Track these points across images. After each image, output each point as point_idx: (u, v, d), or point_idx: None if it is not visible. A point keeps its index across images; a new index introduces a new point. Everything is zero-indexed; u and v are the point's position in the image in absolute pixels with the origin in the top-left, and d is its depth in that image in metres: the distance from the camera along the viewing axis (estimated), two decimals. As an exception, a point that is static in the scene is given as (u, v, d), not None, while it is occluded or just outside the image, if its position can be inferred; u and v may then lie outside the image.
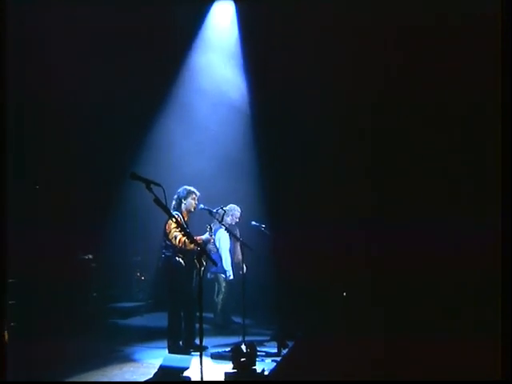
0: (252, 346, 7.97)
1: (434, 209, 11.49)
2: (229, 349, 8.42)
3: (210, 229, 9.34)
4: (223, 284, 11.23)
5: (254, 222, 10.65)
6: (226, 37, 13.39)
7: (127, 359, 8.93)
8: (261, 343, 9.53)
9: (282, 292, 11.91)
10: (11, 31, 7.28)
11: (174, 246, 9.05)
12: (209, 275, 11.15)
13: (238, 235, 10.63)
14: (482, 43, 10.20)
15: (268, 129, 13.00)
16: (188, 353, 8.96)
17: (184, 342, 9.28)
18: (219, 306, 11.33)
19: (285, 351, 9.00)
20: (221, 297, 11.30)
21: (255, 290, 10.80)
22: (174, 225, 8.82)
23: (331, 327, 10.27)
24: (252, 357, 7.85)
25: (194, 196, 9.38)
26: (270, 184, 12.77)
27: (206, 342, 7.47)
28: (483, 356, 7.09)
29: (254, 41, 12.93)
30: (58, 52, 11.54)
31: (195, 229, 9.47)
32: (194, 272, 9.14)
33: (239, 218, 11.19)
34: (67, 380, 7.69)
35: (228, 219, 10.78)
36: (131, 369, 8.31)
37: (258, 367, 7.86)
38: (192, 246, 8.65)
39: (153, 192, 5.76)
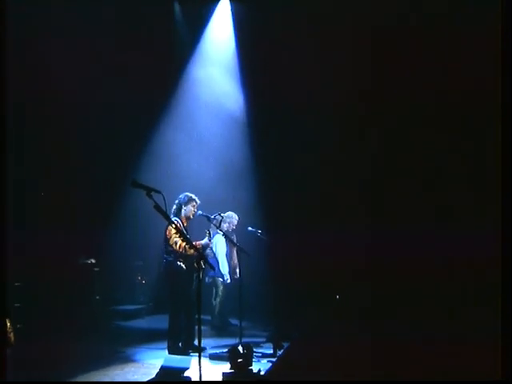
0: (248, 347, 7.98)
1: (433, 209, 11.49)
2: (226, 350, 8.38)
3: (209, 234, 9.37)
4: (221, 287, 11.23)
5: (250, 228, 10.67)
6: (224, 50, 13.43)
7: (129, 360, 8.91)
8: (257, 344, 9.51)
9: (277, 295, 11.91)
10: (11, 33, 7.27)
11: (174, 251, 9.06)
12: (207, 279, 11.14)
13: (235, 240, 10.63)
14: (481, 43, 10.21)
15: (265, 138, 13.01)
16: (187, 354, 8.96)
17: (183, 343, 9.27)
18: (217, 309, 11.33)
19: (280, 352, 8.99)
20: (218, 300, 11.30)
21: (251, 293, 10.82)
22: (173, 231, 8.82)
23: (325, 329, 10.28)
24: (248, 357, 7.85)
25: (194, 203, 9.39)
26: (266, 191, 12.76)
27: (204, 343, 7.52)
28: (483, 356, 7.07)
29: (251, 54, 12.96)
30: (59, 64, 11.56)
31: (194, 234, 9.50)
32: (194, 276, 9.14)
33: (236, 226, 11.20)
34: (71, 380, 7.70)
35: (225, 226, 10.78)
36: (132, 369, 8.29)
37: (255, 367, 7.86)
38: (192, 251, 8.68)
39: (153, 199, 5.77)
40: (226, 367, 7.85)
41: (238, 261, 10.07)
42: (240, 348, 7.90)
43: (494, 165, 7.37)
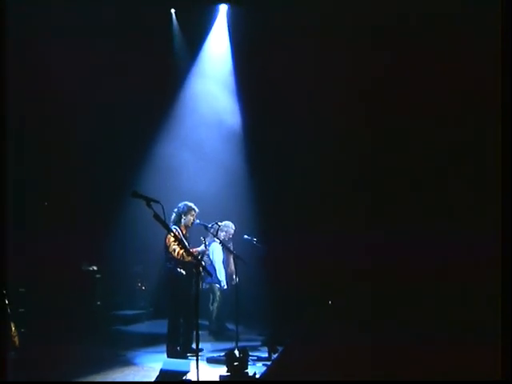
0: (244, 351, 8.01)
1: (432, 210, 11.46)
2: (223, 353, 8.40)
3: (205, 241, 9.39)
4: (217, 293, 11.23)
5: (246, 236, 10.67)
6: (221, 64, 13.47)
7: (129, 363, 8.90)
8: (253, 348, 9.52)
9: (272, 301, 11.89)
10: (11, 33, 7.27)
11: (174, 259, 9.08)
12: (204, 285, 11.13)
13: (232, 248, 10.64)
14: (481, 43, 10.16)
15: (261, 150, 13.02)
16: (185, 357, 8.95)
17: (181, 346, 9.27)
18: (214, 314, 11.31)
19: (275, 356, 9.01)
20: (215, 305, 11.29)
21: (247, 299, 10.81)
22: (172, 239, 8.84)
23: (319, 333, 10.27)
24: (244, 361, 7.89)
25: (193, 212, 9.42)
26: (262, 201, 12.77)
27: (201, 347, 7.51)
28: (483, 356, 6.98)
29: (248, 67, 12.99)
30: (61, 76, 11.60)
31: (192, 241, 9.53)
32: (193, 281, 9.15)
33: (232, 235, 11.21)
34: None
35: (222, 234, 10.78)
36: (132, 372, 8.29)
37: (250, 370, 7.90)
38: (189, 258, 8.70)
39: (152, 208, 5.82)
40: (222, 370, 7.89)
41: (235, 268, 10.09)
42: (236, 352, 7.94)
43: (494, 165, 7.32)
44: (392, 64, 11.77)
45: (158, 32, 12.89)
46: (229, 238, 11.16)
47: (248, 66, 12.96)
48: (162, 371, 7.57)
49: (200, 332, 6.23)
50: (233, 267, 10.67)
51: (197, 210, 9.48)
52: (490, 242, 8.11)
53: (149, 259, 12.80)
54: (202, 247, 9.33)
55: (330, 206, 12.44)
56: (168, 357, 8.93)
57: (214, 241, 10.52)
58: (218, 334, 11.10)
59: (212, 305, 11.32)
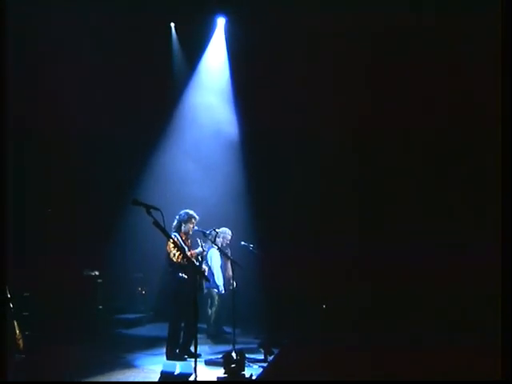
0: (241, 354, 8.04)
1: (430, 213, 11.46)
2: (221, 356, 8.43)
3: (202, 243, 9.44)
4: (215, 298, 11.26)
5: (243, 242, 10.72)
6: (219, 76, 13.55)
7: (129, 365, 8.91)
8: (249, 351, 9.54)
9: (268, 305, 11.91)
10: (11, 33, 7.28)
11: (174, 263, 9.10)
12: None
13: (229, 254, 10.69)
14: (481, 44, 10.16)
15: (258, 158, 13.05)
16: (184, 359, 9.00)
17: (180, 349, 9.31)
18: (212, 318, 11.35)
19: (271, 358, 9.03)
20: (214, 309, 11.32)
21: (244, 303, 10.87)
22: (172, 245, 8.88)
23: (313, 336, 10.31)
24: (241, 363, 7.92)
25: (193, 220, 9.45)
26: (258, 208, 12.80)
27: (200, 349, 7.55)
28: (483, 356, 7.00)
29: (245, 79, 13.05)
30: (61, 87, 11.65)
31: (193, 245, 9.59)
32: (194, 286, 9.18)
33: (230, 241, 11.27)
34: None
35: (219, 240, 10.83)
36: (133, 374, 8.30)
37: (247, 372, 7.93)
38: (188, 262, 8.75)
39: (152, 216, 5.85)
40: (220, 372, 7.92)
41: (232, 273, 10.14)
42: (233, 354, 7.97)
43: (494, 165, 7.34)
44: (391, 64, 11.78)
45: (158, 45, 12.99)
46: (226, 244, 11.22)
47: (245, 77, 13.01)
48: (162, 373, 7.64)
49: (198, 335, 6.25)
50: (230, 272, 10.67)
51: (197, 217, 9.51)
52: (489, 242, 8.14)
53: (149, 265, 12.87)
54: (200, 249, 9.37)
55: (325, 213, 12.45)
56: (167, 359, 8.96)
57: (212, 247, 10.55)
58: (216, 337, 11.13)
59: (210, 309, 11.36)
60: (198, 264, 9.21)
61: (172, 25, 13.44)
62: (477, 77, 10.53)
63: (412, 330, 9.45)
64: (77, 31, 11.50)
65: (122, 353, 9.79)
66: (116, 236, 12.60)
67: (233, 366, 7.81)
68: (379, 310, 10.98)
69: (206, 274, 10.00)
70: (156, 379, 7.72)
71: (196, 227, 9.47)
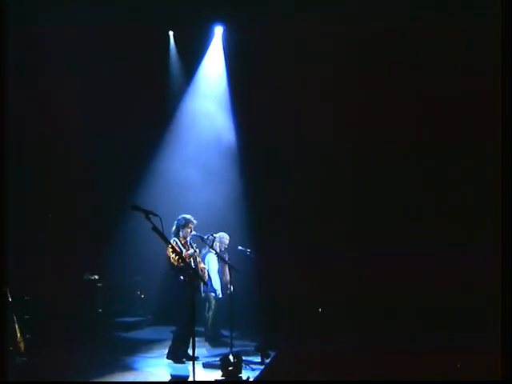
0: (238, 356, 8.10)
1: (431, 213, 11.42)
2: (218, 359, 8.48)
3: (191, 244, 9.50)
4: (213, 302, 11.27)
5: (240, 247, 10.76)
6: (217, 84, 13.59)
7: (129, 368, 8.94)
8: (246, 354, 9.57)
9: (265, 308, 11.92)
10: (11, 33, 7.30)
11: (176, 267, 9.12)
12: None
13: (227, 258, 10.73)
14: (481, 43, 10.04)
15: (255, 164, 13.07)
16: (182, 362, 9.05)
17: (180, 351, 9.35)
18: (210, 321, 11.37)
19: (267, 361, 9.06)
20: (211, 313, 11.34)
21: (241, 306, 10.86)
22: (170, 249, 8.92)
23: (309, 339, 10.32)
24: (238, 366, 7.98)
25: (190, 225, 9.48)
26: (255, 213, 12.82)
27: (197, 352, 7.59)
28: (483, 356, 6.91)
29: (243, 87, 13.10)
30: (61, 95, 11.69)
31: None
32: (193, 288, 9.21)
33: (227, 245, 11.31)
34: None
35: (217, 245, 10.86)
36: (132, 376, 8.34)
37: (244, 375, 7.99)
38: (184, 264, 8.78)
39: (151, 221, 5.88)
40: (217, 375, 7.97)
41: (230, 277, 10.17)
42: (231, 357, 8.01)
43: (494, 166, 7.31)
44: (391, 65, 11.75)
45: (157, 52, 13.05)
46: (224, 249, 11.25)
47: (243, 85, 13.05)
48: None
49: (196, 338, 6.29)
50: (228, 277, 10.71)
51: (194, 222, 9.55)
52: (489, 242, 8.13)
53: (147, 269, 12.90)
54: (191, 251, 9.40)
55: (323, 217, 12.46)
56: (167, 358, 9.06)
57: (210, 251, 10.59)
58: (214, 340, 11.14)
59: (208, 312, 11.37)
60: (193, 266, 9.24)
61: (170, 33, 13.48)
62: (477, 76, 10.46)
63: (412, 331, 9.43)
64: (76, 35, 11.50)
65: (121, 355, 9.82)
66: (115, 240, 12.62)
67: (230, 368, 7.85)
68: (379, 311, 10.94)
69: (206, 276, 10.00)
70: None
71: (194, 232, 9.51)
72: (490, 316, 6.98)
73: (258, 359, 9.17)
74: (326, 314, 11.60)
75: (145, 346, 10.89)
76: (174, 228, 9.46)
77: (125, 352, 10.15)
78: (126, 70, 12.25)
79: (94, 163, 12.63)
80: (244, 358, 8.54)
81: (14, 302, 8.46)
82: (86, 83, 11.87)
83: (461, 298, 10.34)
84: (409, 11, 10.98)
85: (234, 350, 8.79)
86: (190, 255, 9.38)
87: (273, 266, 11.69)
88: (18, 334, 8.50)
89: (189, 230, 9.46)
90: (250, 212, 12.81)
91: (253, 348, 10.13)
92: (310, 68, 12.16)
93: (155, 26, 12.17)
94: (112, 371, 8.53)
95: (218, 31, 13.34)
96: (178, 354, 9.17)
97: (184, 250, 9.25)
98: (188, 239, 9.55)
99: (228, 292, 10.34)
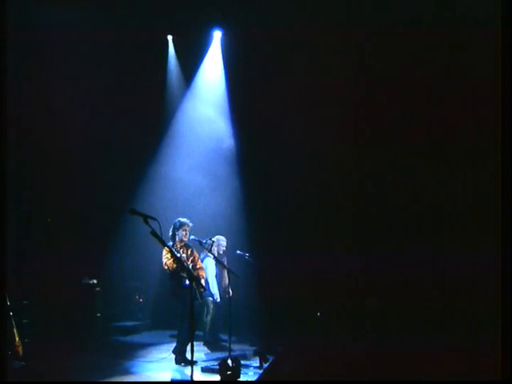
0: (237, 361, 8.07)
1: (429, 218, 11.29)
2: (217, 363, 8.47)
3: (189, 246, 9.52)
4: (211, 306, 11.24)
5: (238, 252, 10.75)
6: (216, 89, 13.60)
7: (127, 372, 8.91)
8: (245, 358, 9.58)
9: (263, 313, 11.90)
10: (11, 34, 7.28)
11: (173, 271, 9.10)
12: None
13: (225, 263, 10.72)
14: (481, 43, 9.90)
15: (254, 169, 13.05)
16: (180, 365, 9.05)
17: (177, 355, 9.34)
18: (208, 325, 11.33)
19: (266, 365, 9.04)
20: (209, 317, 11.30)
21: (240, 311, 10.90)
22: (164, 253, 8.93)
23: (307, 343, 10.31)
24: (237, 370, 7.95)
25: (185, 227, 9.47)
26: (254, 218, 12.81)
27: (196, 356, 7.57)
28: (483, 356, 6.91)
29: (241, 91, 13.10)
30: (60, 100, 11.68)
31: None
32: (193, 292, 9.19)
33: (226, 248, 11.29)
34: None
35: (215, 249, 10.84)
36: (131, 380, 8.33)
37: (242, 379, 7.95)
38: (180, 268, 8.77)
39: (149, 225, 5.87)
40: (216, 379, 7.95)
41: (228, 281, 10.16)
42: (229, 361, 8.00)
43: (495, 168, 7.28)
44: (391, 66, 11.67)
45: (156, 57, 13.07)
46: (223, 252, 11.22)
47: (242, 89, 13.06)
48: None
49: (195, 343, 6.27)
50: (226, 281, 10.71)
51: (190, 224, 9.54)
52: (489, 241, 8.13)
53: (146, 273, 12.92)
54: (187, 254, 9.43)
55: (321, 222, 12.45)
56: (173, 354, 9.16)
57: (208, 255, 10.58)
58: (212, 345, 11.13)
59: (206, 317, 11.35)
60: (190, 268, 9.23)
61: (169, 37, 13.49)
62: (476, 77, 10.40)
63: (411, 331, 9.41)
64: (75, 40, 11.52)
65: (119, 359, 9.80)
66: (114, 245, 12.61)
67: (229, 373, 7.83)
68: (378, 312, 10.93)
69: (203, 280, 9.98)
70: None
71: (193, 236, 9.50)
72: (490, 316, 6.93)
73: (257, 363, 9.17)
74: (324, 319, 11.57)
75: (143, 350, 10.88)
76: (170, 233, 9.46)
77: (123, 356, 10.13)
78: (125, 75, 12.25)
79: (93, 168, 12.61)
80: (243, 362, 8.52)
81: (12, 306, 8.43)
82: (85, 88, 11.88)
83: (461, 298, 10.30)
84: (409, 12, 10.97)
85: (232, 354, 8.78)
86: (187, 258, 9.39)
87: (271, 270, 11.67)
88: (17, 338, 8.47)
89: (184, 233, 9.44)
90: (250, 217, 12.79)
91: (251, 352, 10.14)
92: (309, 72, 12.16)
93: (154, 31, 12.19)
94: (111, 375, 8.51)
95: (217, 36, 13.34)
96: (178, 359, 9.16)
97: (180, 254, 9.20)
98: (186, 241, 9.54)
99: (227, 296, 10.33)
